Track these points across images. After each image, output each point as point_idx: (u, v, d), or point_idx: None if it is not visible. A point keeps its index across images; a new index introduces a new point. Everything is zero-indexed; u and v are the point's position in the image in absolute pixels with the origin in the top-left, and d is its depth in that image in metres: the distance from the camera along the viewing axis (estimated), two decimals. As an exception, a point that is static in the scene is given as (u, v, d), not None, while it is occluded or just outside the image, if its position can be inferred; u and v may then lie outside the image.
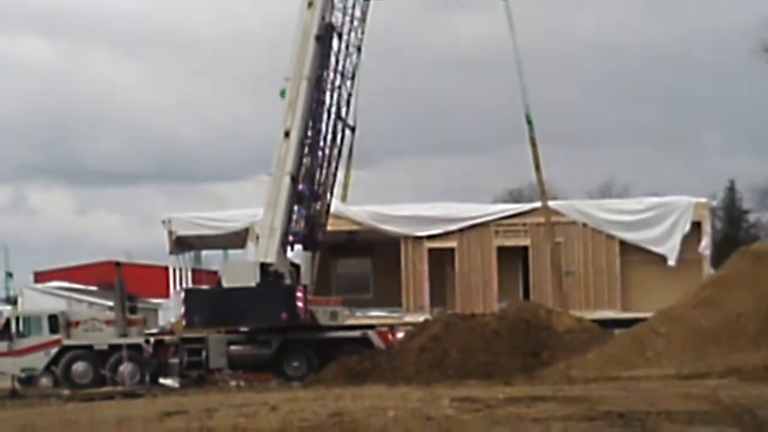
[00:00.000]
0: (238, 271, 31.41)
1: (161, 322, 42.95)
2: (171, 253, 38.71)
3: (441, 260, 37.14)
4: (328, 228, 33.92)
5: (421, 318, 32.29)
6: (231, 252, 41.95)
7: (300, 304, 30.46)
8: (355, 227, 37.39)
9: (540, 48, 79.44)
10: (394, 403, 18.62)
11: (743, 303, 25.40)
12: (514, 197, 62.14)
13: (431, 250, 37.14)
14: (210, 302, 31.20)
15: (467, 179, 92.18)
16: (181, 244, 38.88)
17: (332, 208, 34.46)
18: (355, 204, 37.89)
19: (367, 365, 28.19)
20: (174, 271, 38.97)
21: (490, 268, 36.88)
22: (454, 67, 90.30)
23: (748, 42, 56.28)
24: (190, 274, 40.04)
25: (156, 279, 48.17)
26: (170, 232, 38.22)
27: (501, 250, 36.96)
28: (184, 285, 38.17)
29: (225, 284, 31.10)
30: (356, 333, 31.84)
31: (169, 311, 39.73)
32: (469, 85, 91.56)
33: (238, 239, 37.69)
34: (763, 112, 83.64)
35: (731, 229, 63.75)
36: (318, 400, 20.13)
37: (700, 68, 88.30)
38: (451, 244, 37.16)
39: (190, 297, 31.90)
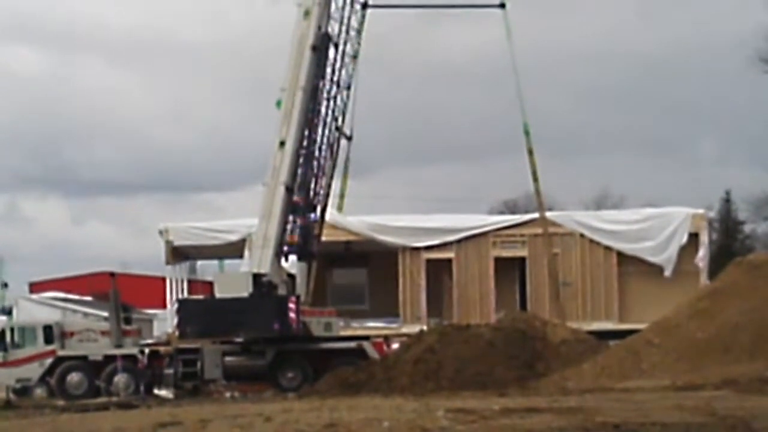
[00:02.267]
0: (231, 281, 31.35)
1: (156, 332, 42.90)
2: (168, 263, 38.62)
3: (438, 271, 37.11)
4: (325, 238, 33.86)
5: (418, 329, 32.22)
6: (227, 262, 41.87)
7: (292, 314, 30.38)
8: (351, 238, 37.35)
9: (534, 57, 79.36)
10: (389, 414, 18.54)
11: (738, 314, 25.38)
12: (510, 208, 62.12)
13: (429, 261, 37.12)
14: (202, 312, 31.08)
15: (462, 190, 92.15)
16: (178, 254, 38.80)
17: (329, 219, 34.40)
18: (350, 214, 37.86)
19: (362, 376, 28.12)
20: (171, 281, 38.87)
21: (487, 279, 36.87)
22: (449, 77, 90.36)
23: (744, 51, 56.29)
24: (186, 284, 39.95)
25: (153, 289, 48.08)
26: (167, 242, 38.13)
27: (498, 261, 36.95)
28: (180, 295, 38.08)
29: (218, 294, 31.03)
30: (351, 344, 31.71)
31: (166, 322, 39.64)
32: (464, 96, 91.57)
33: (235, 249, 37.61)
34: (759, 122, 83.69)
35: (726, 240, 63.62)
36: (313, 411, 20.06)
37: (696, 77, 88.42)
38: (449, 254, 37.14)
39: (183, 307, 31.83)
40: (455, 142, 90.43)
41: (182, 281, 39.64)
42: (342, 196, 37.60)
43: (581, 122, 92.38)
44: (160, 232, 38.47)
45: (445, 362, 27.37)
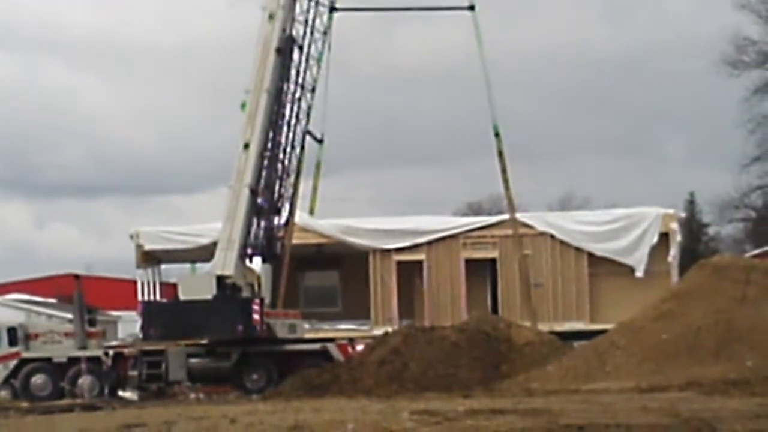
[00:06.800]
0: (195, 283, 31.42)
1: (121, 334, 42.71)
2: (139, 267, 38.41)
3: (409, 273, 37.04)
4: (296, 241, 33.79)
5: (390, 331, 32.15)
6: (199, 266, 41.61)
7: (256, 316, 30.36)
8: (322, 240, 37.25)
9: (497, 59, 79.40)
10: (353, 415, 18.53)
11: (702, 316, 25.47)
12: (474, 210, 62.19)
13: (400, 263, 37.05)
14: (166, 315, 31.14)
15: (425, 192, 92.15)
16: (148, 258, 38.59)
17: (300, 221, 34.30)
18: (319, 216, 37.75)
19: (327, 378, 28.10)
20: (143, 284, 38.65)
21: (458, 281, 36.81)
22: (412, 79, 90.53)
23: (710, 54, 56.62)
24: (158, 287, 39.70)
25: (118, 292, 47.84)
26: (138, 246, 37.93)
27: (469, 262, 36.89)
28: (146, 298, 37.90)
29: (182, 297, 31.05)
30: (316, 346, 31.79)
31: (134, 324, 39.41)
32: (427, 98, 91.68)
33: (206, 253, 37.33)
34: (724, 125, 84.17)
35: (691, 242, 63.58)
36: (277, 413, 20.05)
37: (661, 80, 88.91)
38: (420, 256, 37.07)
39: (147, 309, 31.87)
40: (418, 144, 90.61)
41: (153, 284, 39.39)
42: (314, 199, 37.48)
43: (545, 124, 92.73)
44: (131, 236, 38.30)
45: (410, 364, 27.38)
